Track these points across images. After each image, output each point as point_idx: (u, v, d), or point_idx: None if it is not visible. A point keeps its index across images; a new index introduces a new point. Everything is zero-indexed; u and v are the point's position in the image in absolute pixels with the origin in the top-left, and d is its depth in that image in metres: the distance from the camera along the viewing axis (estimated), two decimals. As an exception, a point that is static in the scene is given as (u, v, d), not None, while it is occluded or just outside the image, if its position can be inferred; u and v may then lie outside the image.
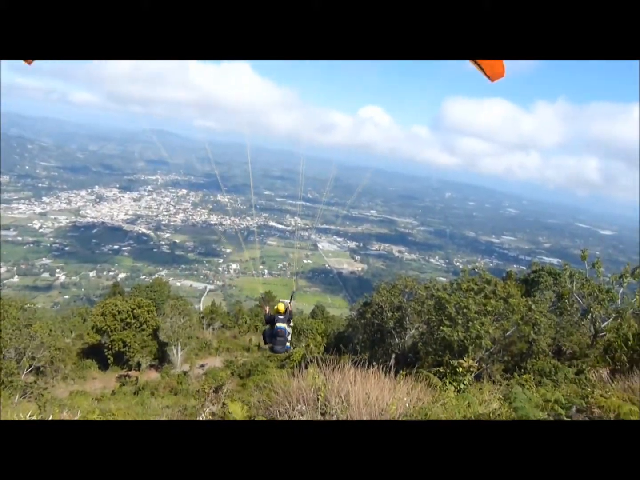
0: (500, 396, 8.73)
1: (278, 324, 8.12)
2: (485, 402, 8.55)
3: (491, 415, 7.30)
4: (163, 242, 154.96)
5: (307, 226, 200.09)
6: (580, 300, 21.20)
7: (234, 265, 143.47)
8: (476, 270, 23.18)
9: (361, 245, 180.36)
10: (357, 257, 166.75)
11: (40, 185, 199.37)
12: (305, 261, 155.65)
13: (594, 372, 11.81)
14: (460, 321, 18.17)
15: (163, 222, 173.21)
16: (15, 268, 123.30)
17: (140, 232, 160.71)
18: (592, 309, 19.74)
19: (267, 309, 8.90)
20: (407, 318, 25.38)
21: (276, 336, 8.11)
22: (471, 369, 10.83)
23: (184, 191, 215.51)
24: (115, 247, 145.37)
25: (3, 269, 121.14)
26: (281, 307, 8.30)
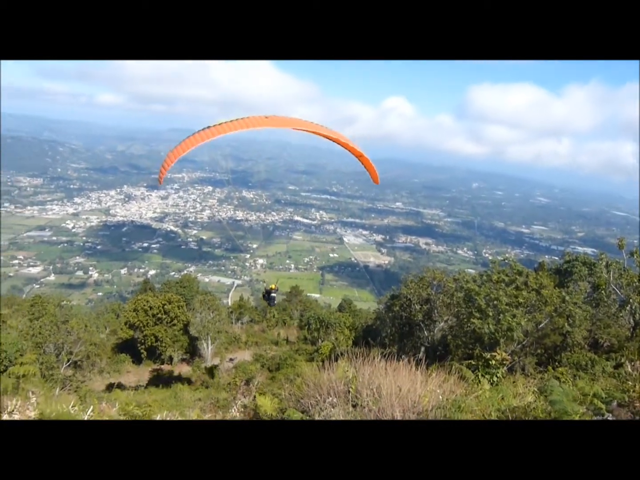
0: (535, 389, 8.54)
1: (272, 294, 15.21)
2: (520, 395, 8.33)
3: (526, 408, 7.14)
4: (191, 239, 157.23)
5: (333, 220, 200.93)
6: (618, 291, 20.61)
7: (260, 260, 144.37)
8: (506, 261, 22.69)
9: (387, 238, 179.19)
10: (384, 250, 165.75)
11: (71, 186, 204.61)
12: (331, 255, 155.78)
13: (634, 366, 11.42)
14: (490, 313, 17.87)
15: (190, 219, 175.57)
16: (51, 267, 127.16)
17: (168, 229, 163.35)
18: (631, 300, 19.17)
19: (266, 288, 15.49)
20: (435, 311, 25.15)
21: (273, 300, 15.39)
22: (504, 362, 10.65)
23: (210, 188, 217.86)
24: (145, 244, 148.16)
25: (40, 268, 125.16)
26: (273, 286, 15.45)
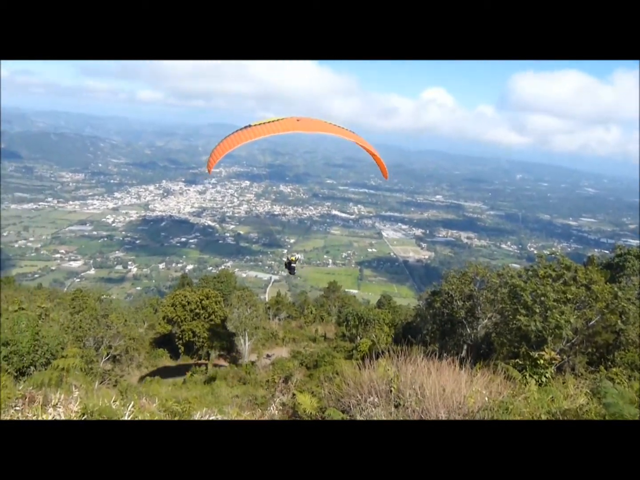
0: (587, 391, 8.22)
1: (293, 265, 16.29)
2: (571, 397, 8.06)
3: (578, 411, 6.86)
4: (228, 234, 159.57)
5: (371, 214, 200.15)
6: (674, 286, 19.69)
7: (297, 255, 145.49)
8: (553, 255, 21.97)
9: (427, 232, 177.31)
10: (424, 245, 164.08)
11: (112, 181, 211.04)
12: (369, 250, 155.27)
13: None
14: (537, 310, 17.36)
15: (227, 214, 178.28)
16: (91, 261, 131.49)
17: (206, 224, 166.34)
18: (688, 296, 18.28)
19: (290, 257, 16.73)
20: (478, 307, 24.64)
21: (293, 269, 16.28)
22: (553, 361, 10.27)
23: (247, 182, 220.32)
24: (183, 239, 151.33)
25: (80, 262, 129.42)
26: (293, 258, 16.49)
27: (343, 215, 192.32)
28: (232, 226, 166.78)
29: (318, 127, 13.41)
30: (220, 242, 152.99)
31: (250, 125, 13.15)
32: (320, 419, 7.72)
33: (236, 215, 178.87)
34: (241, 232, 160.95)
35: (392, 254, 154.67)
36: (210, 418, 8.85)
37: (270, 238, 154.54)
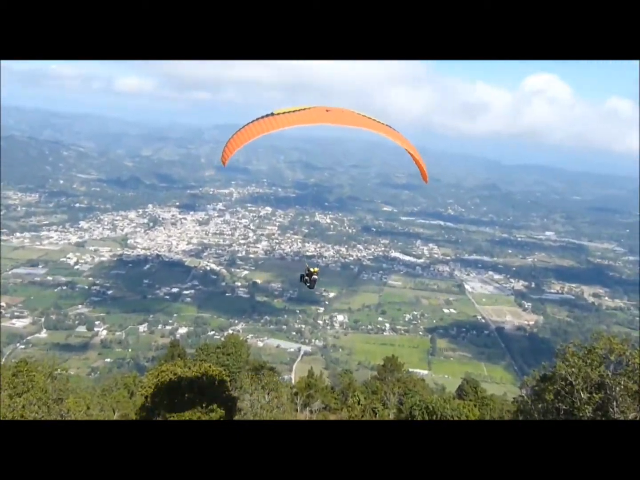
0: None
1: (315, 276, 19.96)
2: None
3: None
4: (239, 283, 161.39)
5: (448, 257, 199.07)
6: None
7: (340, 317, 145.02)
8: None
9: (532, 285, 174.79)
10: (527, 305, 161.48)
11: (77, 205, 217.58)
12: (445, 311, 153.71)
13: None
14: None
15: (239, 255, 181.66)
16: (43, 319, 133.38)
17: (207, 268, 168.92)
18: None
19: (309, 268, 20.00)
20: (614, 402, 23.81)
21: (314, 282, 20.06)
22: None
23: (269, 209, 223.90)
24: (175, 290, 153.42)
25: (27, 320, 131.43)
26: (316, 270, 19.84)
27: (407, 258, 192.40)
28: (245, 272, 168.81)
29: (350, 119, 15.50)
30: (227, 294, 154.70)
31: (272, 114, 15.31)
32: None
33: (251, 256, 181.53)
34: (258, 281, 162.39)
35: (479, 317, 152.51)
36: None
37: (300, 290, 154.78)
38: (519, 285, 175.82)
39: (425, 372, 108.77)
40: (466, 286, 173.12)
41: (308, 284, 19.24)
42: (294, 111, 15.17)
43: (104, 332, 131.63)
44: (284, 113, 15.24)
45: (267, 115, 15.43)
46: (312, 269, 19.16)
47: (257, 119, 15.55)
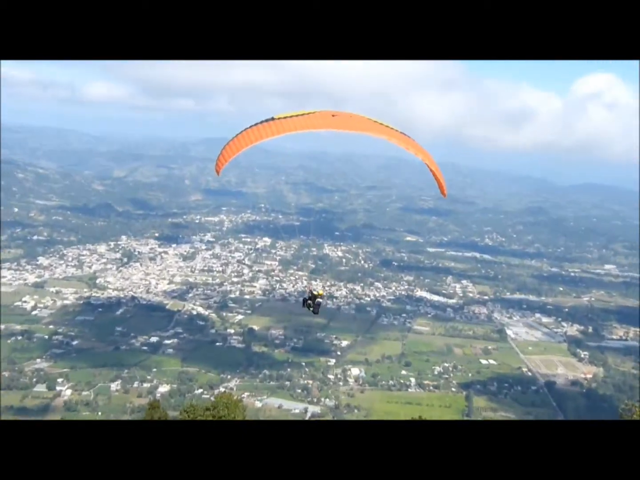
0: None
1: (319, 299, 22.85)
2: None
3: None
4: (232, 331, 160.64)
5: (486, 297, 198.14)
6: None
7: (355, 370, 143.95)
8: None
9: (589, 330, 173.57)
10: (583, 354, 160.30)
11: (35, 237, 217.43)
12: (483, 362, 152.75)
13: None
14: None
15: (232, 296, 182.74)
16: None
17: (194, 312, 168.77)
18: None
19: (312, 289, 23.09)
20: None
21: (318, 306, 22.57)
22: None
23: (267, 240, 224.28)
24: (154, 339, 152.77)
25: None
26: (322, 292, 22.96)
27: (436, 298, 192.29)
28: (239, 316, 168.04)
29: (358, 125, 16.25)
30: (218, 344, 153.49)
31: (273, 119, 15.97)
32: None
33: (247, 297, 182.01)
34: (255, 328, 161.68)
35: (525, 369, 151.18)
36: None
37: (306, 338, 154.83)
38: (573, 330, 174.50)
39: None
40: (508, 331, 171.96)
41: (311, 309, 20.14)
42: (296, 115, 15.99)
43: (68, 391, 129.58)
44: (285, 118, 16.08)
45: (266, 120, 16.36)
46: (315, 292, 21.08)
47: (256, 124, 16.49)
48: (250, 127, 16.24)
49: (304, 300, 23.45)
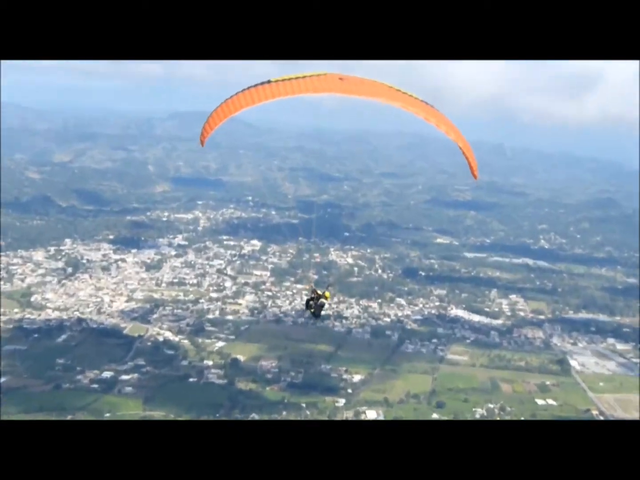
0: None
1: (322, 300, 31.66)
2: None
3: None
4: (210, 362, 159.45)
5: (541, 316, 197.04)
6: None
7: (371, 414, 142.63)
8: None
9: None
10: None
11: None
12: (539, 402, 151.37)
13: None
14: None
15: (210, 316, 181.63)
16: None
17: (160, 338, 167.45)
18: None
19: (316, 290, 31.55)
20: None
21: (321, 308, 31.91)
22: None
23: (256, 244, 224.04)
24: (107, 374, 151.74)
25: None
26: (328, 294, 31.27)
27: (476, 318, 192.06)
28: (219, 343, 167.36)
29: (369, 90, 17.48)
30: (191, 380, 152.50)
31: (269, 82, 17.38)
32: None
33: (229, 318, 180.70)
34: (240, 358, 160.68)
35: (594, 411, 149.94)
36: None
37: (307, 371, 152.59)
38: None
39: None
40: (572, 362, 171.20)
41: (312, 310, 20.01)
42: (296, 78, 16.42)
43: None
44: (283, 80, 16.71)
45: (261, 83, 17.13)
46: (320, 292, 19.81)
47: (248, 87, 17.42)
48: (242, 90, 17.58)
49: (307, 302, 25.15)
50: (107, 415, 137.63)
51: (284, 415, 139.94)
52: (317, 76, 16.79)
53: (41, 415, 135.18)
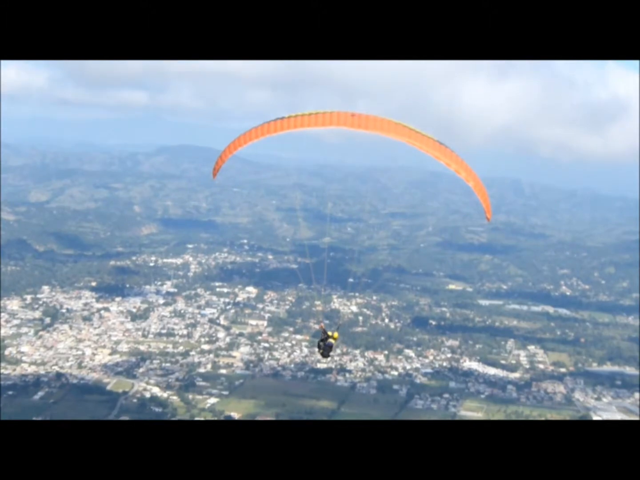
0: None
1: (330, 341, 35.12)
2: None
3: None
4: (202, 419, 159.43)
5: (563, 369, 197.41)
6: None
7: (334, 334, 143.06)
8: None
9: None
10: None
11: None
12: None
13: None
14: None
15: (201, 371, 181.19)
16: None
17: (146, 395, 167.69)
18: None
19: (326, 331, 35.48)
20: None
21: (330, 348, 35.50)
22: None
23: (252, 291, 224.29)
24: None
25: None
26: (336, 335, 34.84)
27: (491, 371, 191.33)
28: (211, 400, 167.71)
29: (380, 126, 18.48)
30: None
31: (284, 118, 19.20)
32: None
33: (222, 372, 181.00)
34: (234, 415, 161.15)
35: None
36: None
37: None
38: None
39: None
40: (596, 419, 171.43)
41: (321, 351, 22.71)
42: (309, 115, 18.22)
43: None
44: (296, 116, 18.83)
45: (275, 119, 18.97)
46: (330, 332, 22.61)
47: (262, 123, 19.49)
48: (256, 126, 19.77)
49: (318, 343, 29.11)
50: None
51: None
52: (329, 113, 18.36)
53: None
